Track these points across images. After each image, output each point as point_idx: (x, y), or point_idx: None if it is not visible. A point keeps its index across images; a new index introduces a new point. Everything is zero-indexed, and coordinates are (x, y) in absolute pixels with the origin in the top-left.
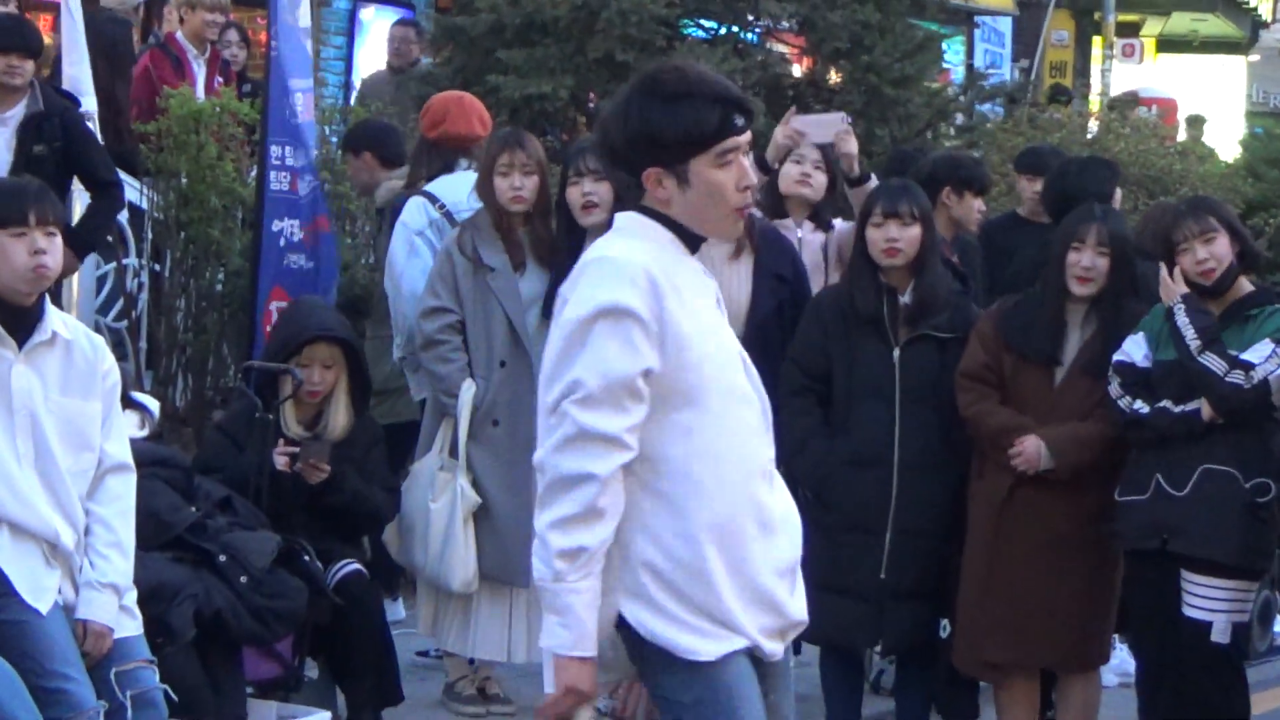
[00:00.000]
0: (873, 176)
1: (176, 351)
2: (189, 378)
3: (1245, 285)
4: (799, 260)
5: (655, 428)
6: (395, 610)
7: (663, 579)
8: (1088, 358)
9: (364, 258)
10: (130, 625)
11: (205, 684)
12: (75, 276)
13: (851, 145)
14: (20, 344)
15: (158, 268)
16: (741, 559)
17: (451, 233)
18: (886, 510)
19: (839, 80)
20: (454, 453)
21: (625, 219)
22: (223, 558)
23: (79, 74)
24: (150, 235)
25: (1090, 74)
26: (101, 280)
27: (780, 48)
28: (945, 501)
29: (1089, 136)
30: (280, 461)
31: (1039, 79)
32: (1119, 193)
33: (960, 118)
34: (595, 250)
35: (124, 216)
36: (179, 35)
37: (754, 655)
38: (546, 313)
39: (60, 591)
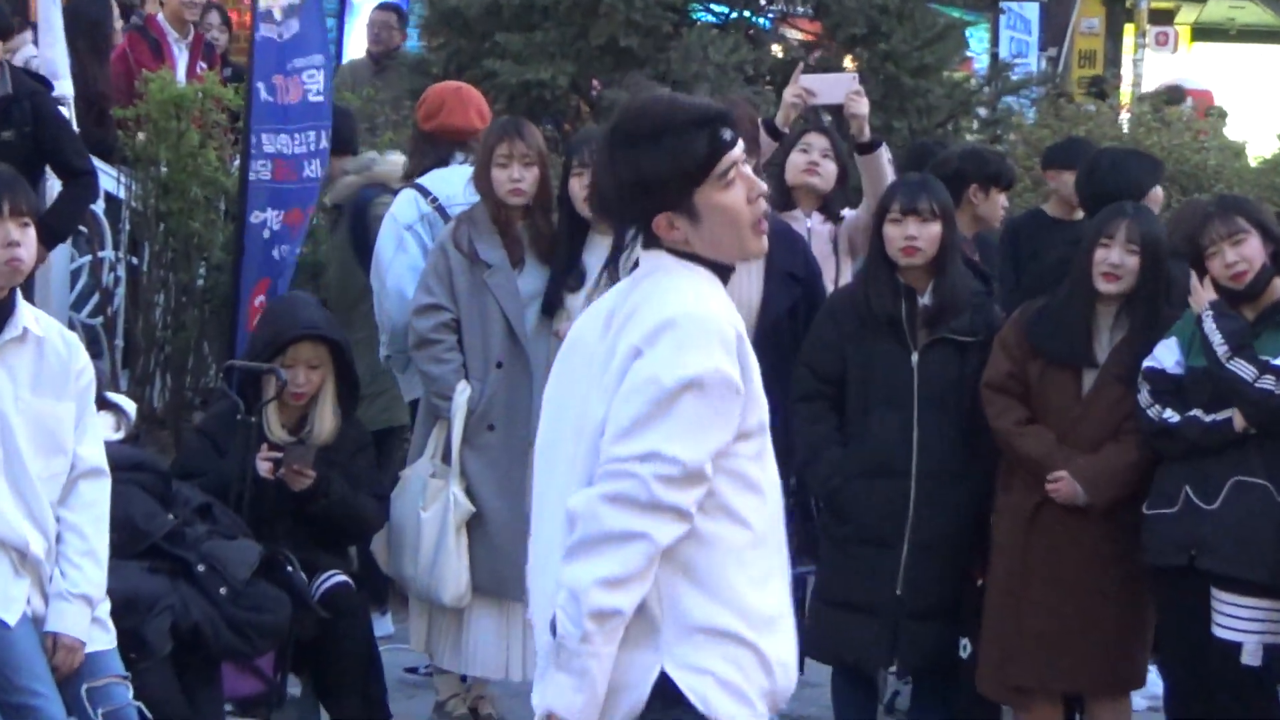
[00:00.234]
0: (884, 144)
1: (154, 350)
2: (167, 377)
3: None
4: (811, 257)
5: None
6: (383, 625)
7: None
8: (1118, 362)
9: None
10: (103, 638)
11: (182, 701)
12: (49, 270)
13: (862, 107)
14: None
15: (135, 261)
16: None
17: (447, 226)
18: (903, 523)
19: (855, 69)
20: (447, 458)
21: (663, 261)
22: (201, 568)
23: (54, 55)
24: (128, 227)
25: (1121, 64)
26: (76, 274)
27: (794, 34)
28: (965, 513)
29: (1122, 130)
30: (263, 467)
31: (1067, 69)
32: (1159, 190)
33: (984, 110)
34: (665, 298)
35: (100, 207)
36: (160, 17)
37: None
38: (546, 311)
39: (29, 602)
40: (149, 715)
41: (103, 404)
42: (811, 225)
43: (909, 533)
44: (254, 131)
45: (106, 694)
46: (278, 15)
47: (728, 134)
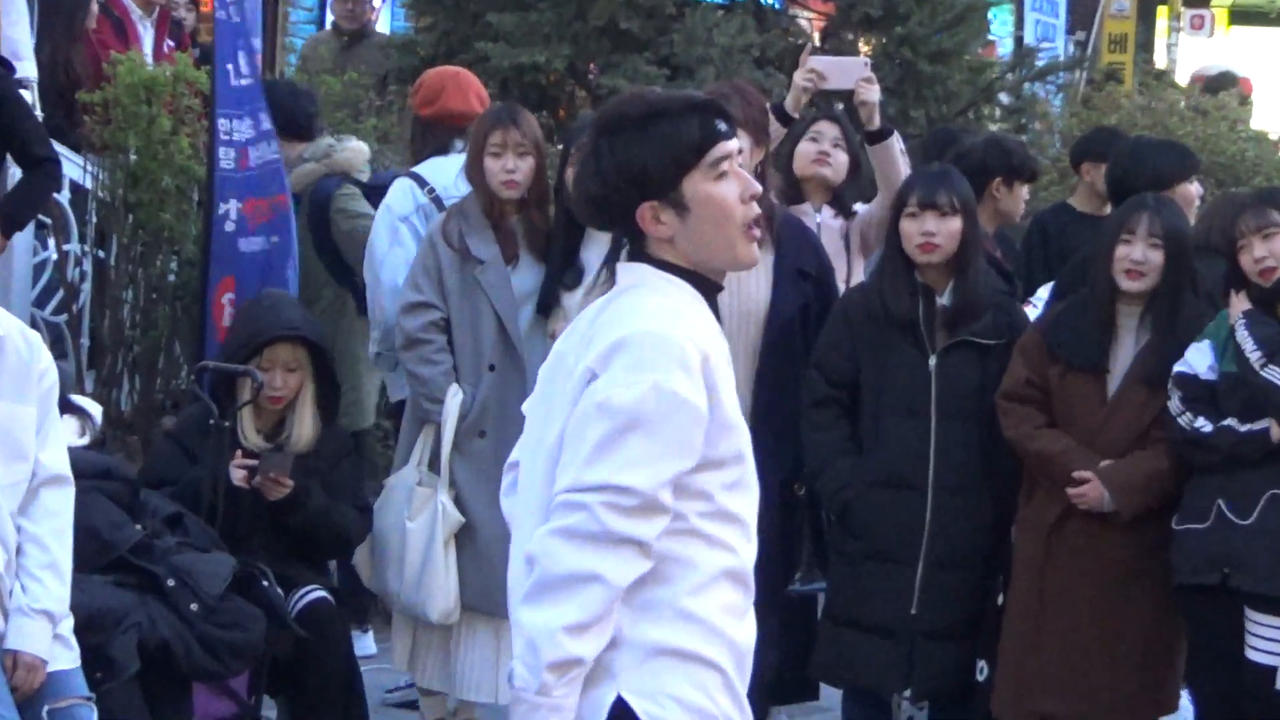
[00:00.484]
0: (895, 133)
1: (122, 349)
2: (136, 379)
3: None
4: (824, 254)
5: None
6: (364, 644)
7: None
8: (1143, 365)
9: None
10: (66, 657)
11: None
12: (10, 264)
13: (873, 94)
14: None
15: (102, 255)
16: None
17: (436, 220)
18: (919, 538)
19: (869, 54)
20: (434, 466)
21: (638, 273)
22: (171, 582)
23: (17, 35)
24: (95, 218)
25: (1154, 48)
26: (39, 268)
27: (805, 16)
28: (985, 529)
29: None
30: (237, 475)
31: (1096, 53)
32: (1193, 186)
33: (1007, 97)
34: (625, 317)
35: (65, 197)
36: None
37: None
38: (541, 311)
39: None
40: None
41: (67, 407)
42: (822, 220)
43: (925, 549)
44: (220, 116)
45: (70, 716)
46: None
47: (723, 125)
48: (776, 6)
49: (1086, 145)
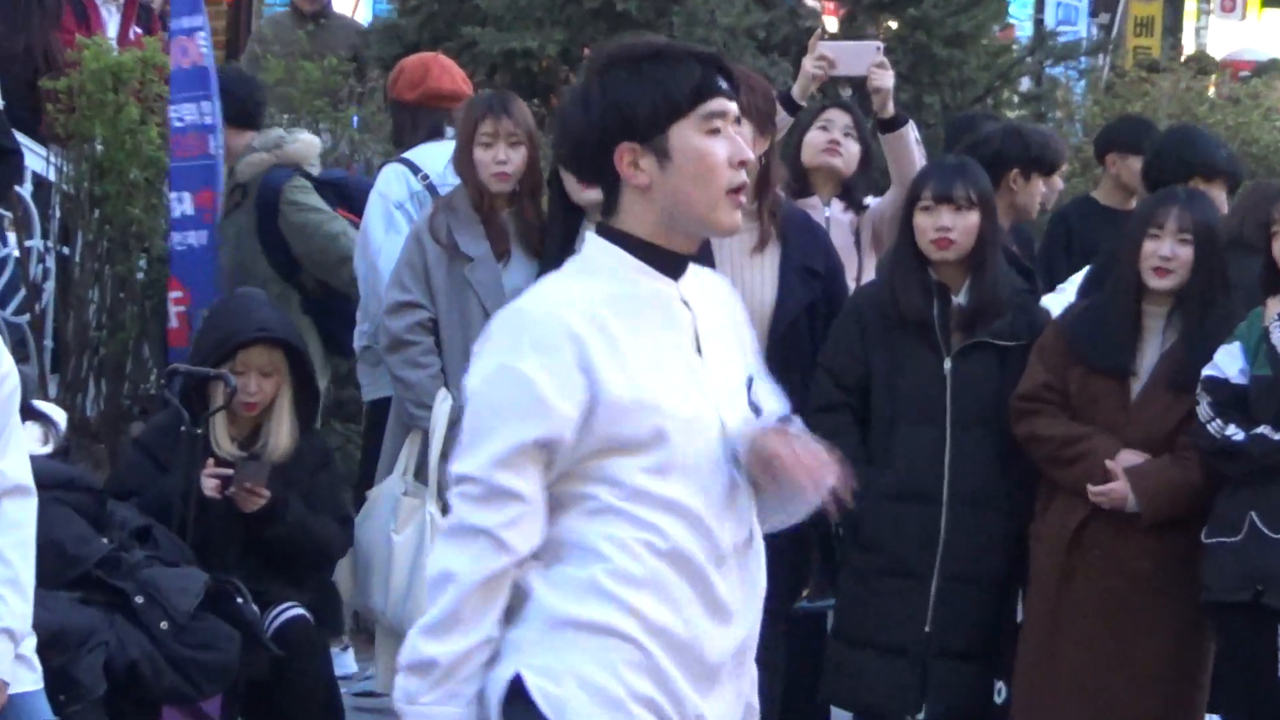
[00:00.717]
0: (909, 121)
1: (88, 352)
2: (102, 383)
3: None
4: (832, 250)
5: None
6: (344, 663)
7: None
8: (1169, 367)
9: None
10: (28, 678)
11: None
12: None
13: (886, 80)
14: None
15: (67, 251)
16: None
17: (422, 214)
18: (933, 552)
19: (881, 37)
20: (421, 475)
21: (584, 248)
22: (140, 599)
23: None
24: (59, 213)
25: (1182, 32)
26: (0, 266)
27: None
28: (1003, 543)
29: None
30: (210, 485)
31: (1121, 36)
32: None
33: (1026, 83)
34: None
35: (28, 190)
36: None
37: None
38: None
39: None
40: None
41: (29, 413)
42: (831, 214)
43: (940, 564)
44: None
45: None
46: None
47: (724, 81)
48: None
49: (1112, 135)
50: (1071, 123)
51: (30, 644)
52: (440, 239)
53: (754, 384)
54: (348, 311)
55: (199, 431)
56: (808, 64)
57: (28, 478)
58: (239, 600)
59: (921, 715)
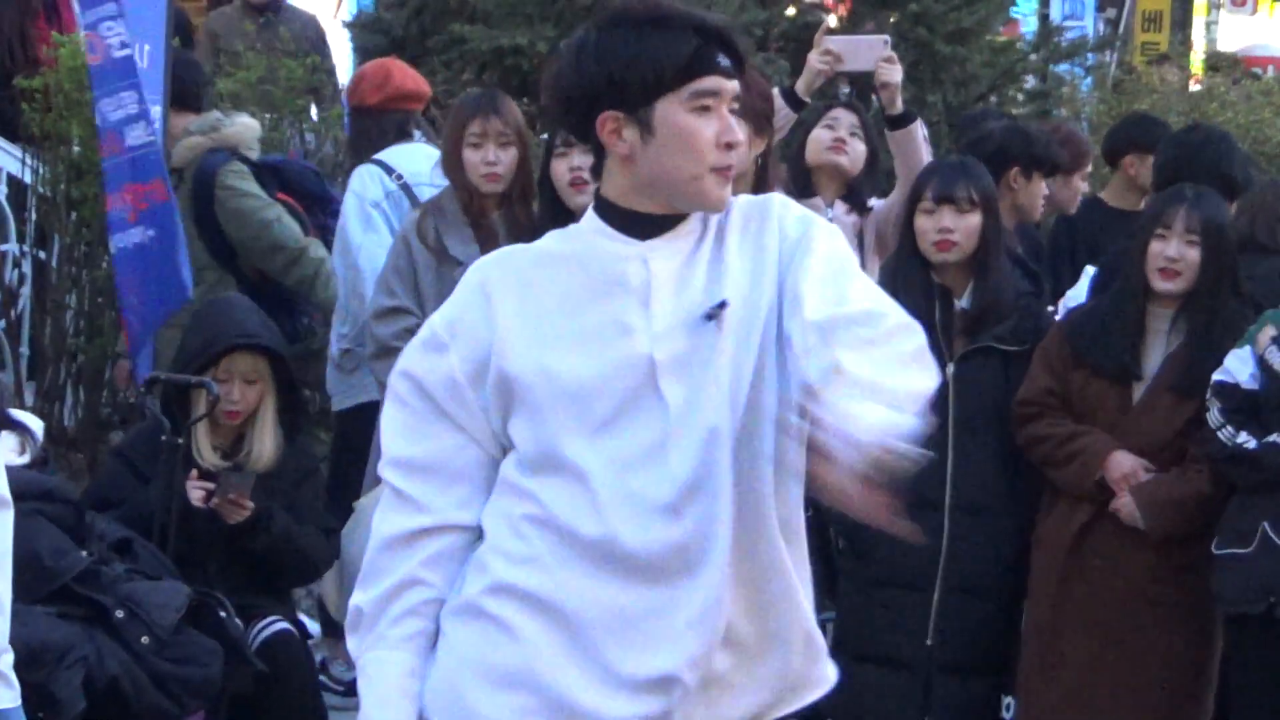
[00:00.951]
0: (918, 118)
1: (65, 359)
2: (80, 392)
3: None
4: None
5: None
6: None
7: None
8: (1173, 371)
9: None
10: (5, 695)
11: None
12: None
13: (894, 75)
14: None
15: (43, 256)
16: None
17: (409, 217)
18: (936, 563)
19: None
20: None
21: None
22: (120, 613)
23: None
24: (34, 216)
25: (1191, 27)
26: None
27: None
28: (1008, 553)
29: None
30: (195, 495)
31: (1129, 32)
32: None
33: (1031, 80)
34: None
35: (2, 192)
36: None
37: None
38: None
39: None
40: None
41: (5, 423)
42: (834, 215)
43: (942, 574)
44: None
45: None
46: None
47: (725, 59)
48: None
49: (1129, 135)
50: (1077, 120)
51: (7, 660)
52: (428, 242)
53: (785, 311)
54: (285, 298)
55: (180, 441)
56: (814, 59)
57: (4, 489)
58: (222, 614)
59: None
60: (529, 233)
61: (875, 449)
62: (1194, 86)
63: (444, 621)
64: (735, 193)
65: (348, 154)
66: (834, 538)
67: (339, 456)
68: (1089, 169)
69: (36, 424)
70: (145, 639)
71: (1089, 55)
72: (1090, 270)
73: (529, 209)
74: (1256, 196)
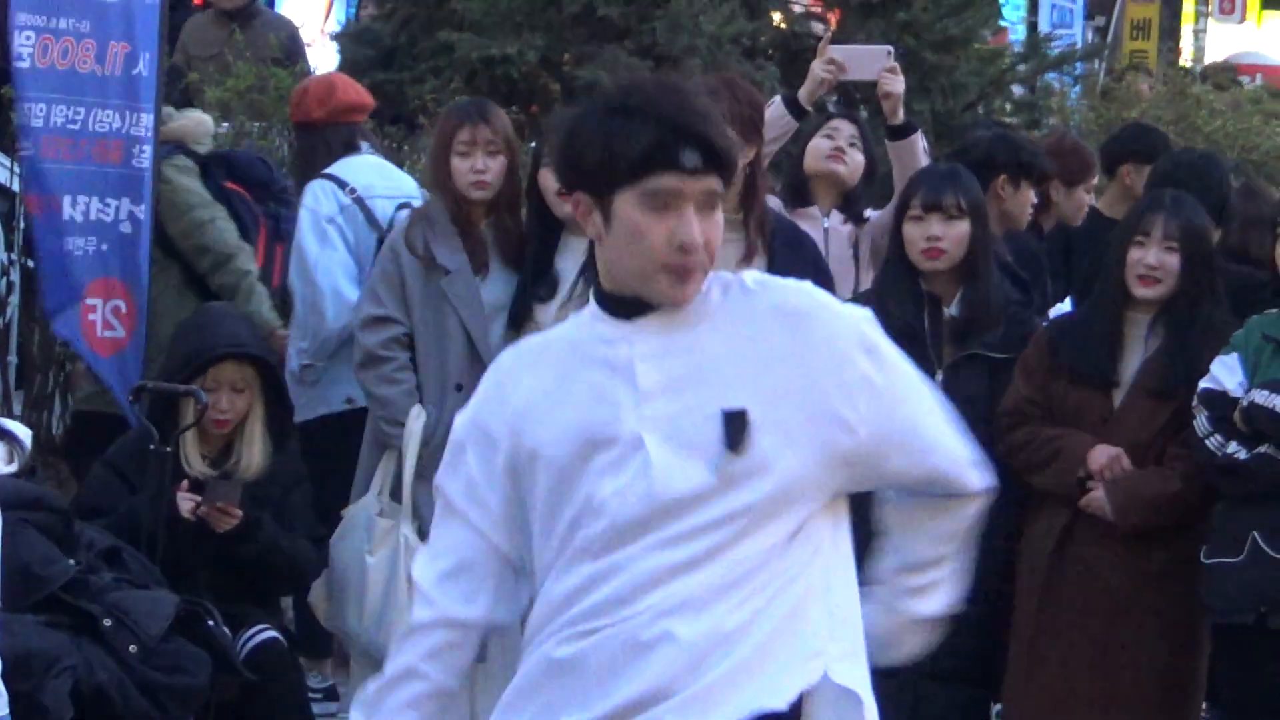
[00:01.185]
0: (918, 129)
1: (53, 368)
2: (69, 400)
3: None
4: (822, 262)
5: None
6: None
7: None
8: (1150, 375)
9: None
10: None
11: None
12: None
13: (897, 85)
14: None
15: (31, 264)
16: None
17: (398, 226)
18: None
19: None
20: (396, 495)
21: None
22: (108, 622)
23: None
24: (23, 224)
25: (1180, 35)
26: None
27: (799, 2)
28: (994, 560)
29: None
30: (185, 506)
31: (1118, 41)
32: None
33: (1020, 89)
34: None
35: None
36: None
37: None
38: (513, 324)
39: None
40: None
41: None
42: (830, 225)
43: None
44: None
45: None
46: None
47: (691, 156)
48: None
49: (1127, 145)
50: (1067, 129)
51: None
52: (417, 251)
53: (748, 422)
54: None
55: (168, 450)
56: (817, 67)
57: None
58: (210, 622)
59: None
60: (517, 241)
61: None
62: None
63: None
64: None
65: (292, 170)
66: None
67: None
68: (1095, 180)
69: (24, 433)
70: (133, 648)
71: (1077, 64)
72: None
73: (517, 217)
74: (1245, 208)
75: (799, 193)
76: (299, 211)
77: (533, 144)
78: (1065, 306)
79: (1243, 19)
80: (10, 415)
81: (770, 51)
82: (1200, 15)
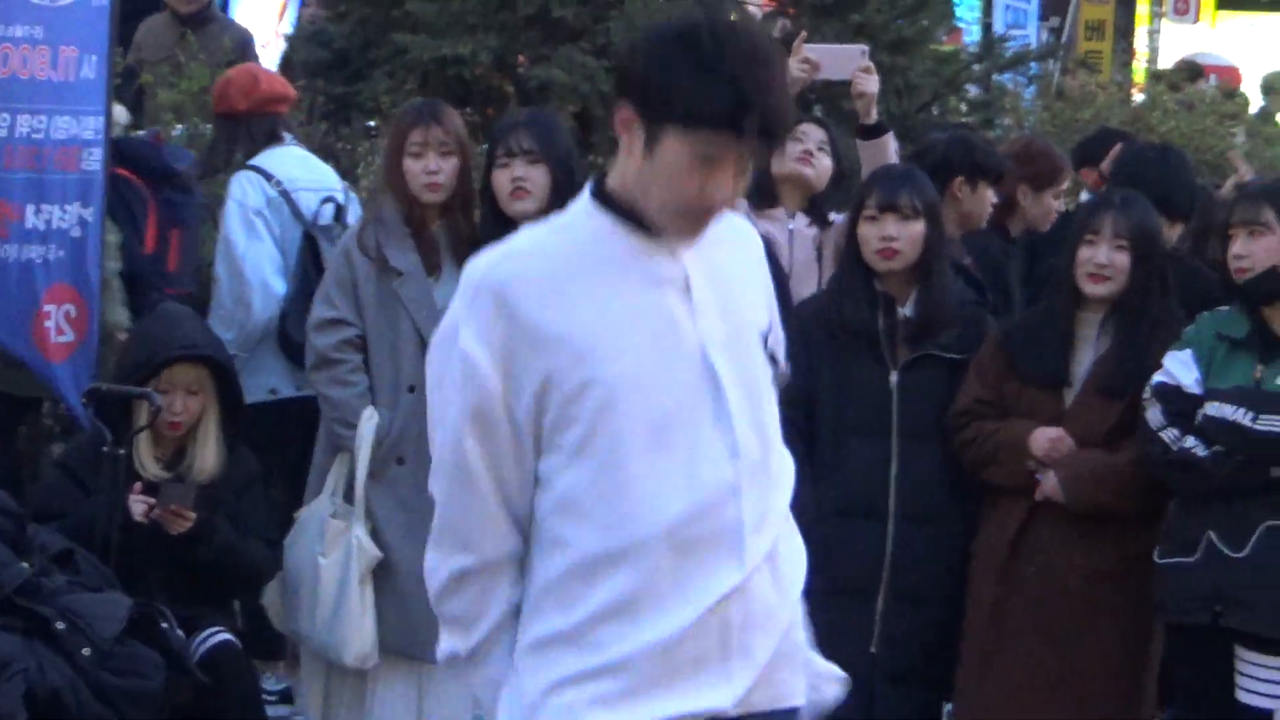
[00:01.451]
0: (890, 131)
1: None
2: None
3: None
4: (778, 261)
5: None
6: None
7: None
8: (1100, 374)
9: None
10: None
11: None
12: None
13: (871, 85)
14: None
15: None
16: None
17: (351, 228)
18: (879, 570)
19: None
20: (349, 496)
21: (576, 201)
22: (61, 625)
23: None
24: None
25: (1134, 36)
26: None
27: (754, 2)
28: (951, 561)
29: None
30: (138, 509)
31: (1072, 41)
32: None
33: (975, 89)
34: None
35: None
36: None
37: None
38: None
39: None
40: None
41: None
42: (795, 227)
43: (886, 582)
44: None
45: None
46: None
47: (752, 126)
48: None
49: (1094, 149)
50: (1021, 130)
51: None
52: (369, 253)
53: (770, 333)
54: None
55: (122, 452)
56: (792, 65)
57: None
58: (164, 625)
59: None
60: (470, 242)
61: None
62: (1138, 96)
63: None
64: None
65: (207, 159)
66: None
67: None
68: (1065, 185)
69: None
70: (87, 650)
71: (1032, 65)
72: None
73: (470, 218)
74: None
75: (766, 194)
76: (227, 203)
77: (485, 145)
78: None
79: (1196, 19)
80: None
81: None
82: (1155, 16)
